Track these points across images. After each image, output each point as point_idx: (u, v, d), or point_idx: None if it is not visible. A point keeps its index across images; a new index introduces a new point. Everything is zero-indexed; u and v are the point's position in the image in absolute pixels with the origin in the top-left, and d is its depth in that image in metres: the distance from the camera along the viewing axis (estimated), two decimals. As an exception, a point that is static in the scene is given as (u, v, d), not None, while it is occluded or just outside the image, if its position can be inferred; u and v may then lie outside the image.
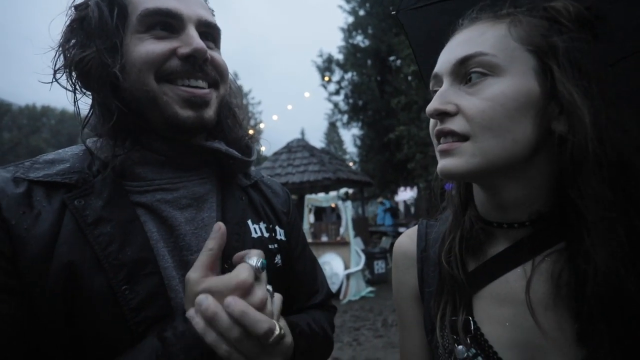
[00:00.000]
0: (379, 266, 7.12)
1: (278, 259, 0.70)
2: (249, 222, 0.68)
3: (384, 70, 15.41)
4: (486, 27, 0.51)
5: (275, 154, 10.39)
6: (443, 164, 0.51)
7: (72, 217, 0.52)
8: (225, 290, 0.48)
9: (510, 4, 0.54)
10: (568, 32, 0.49)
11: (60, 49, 0.57)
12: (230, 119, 0.68)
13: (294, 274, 0.74)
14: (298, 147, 10.18)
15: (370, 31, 15.74)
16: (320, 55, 16.81)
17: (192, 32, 0.59)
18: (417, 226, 0.69)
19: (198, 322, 0.48)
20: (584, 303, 0.43)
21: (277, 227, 0.73)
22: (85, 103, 0.62)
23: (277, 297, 0.55)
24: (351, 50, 16.08)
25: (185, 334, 0.48)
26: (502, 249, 0.54)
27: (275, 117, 16.24)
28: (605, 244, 0.42)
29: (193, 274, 0.51)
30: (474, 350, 0.52)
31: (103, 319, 0.50)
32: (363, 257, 6.63)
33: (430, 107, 0.51)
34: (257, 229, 0.68)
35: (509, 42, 0.49)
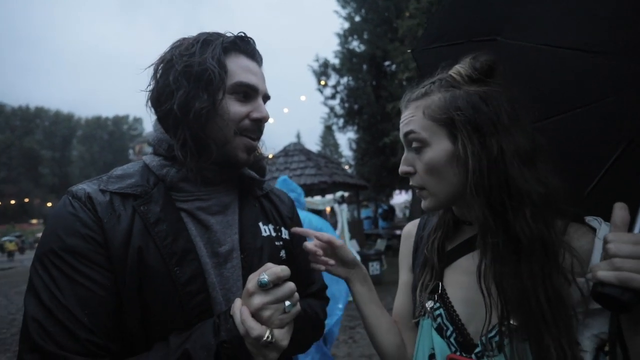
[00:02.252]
0: (374, 267, 7.25)
1: (283, 253, 0.89)
2: (260, 223, 0.87)
3: (380, 75, 15.61)
4: (413, 110, 0.74)
5: (272, 157, 10.48)
6: (422, 204, 0.77)
7: (139, 218, 0.71)
8: (244, 292, 0.67)
9: (429, 79, 0.76)
10: (466, 96, 0.69)
11: (165, 87, 0.74)
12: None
13: (295, 266, 0.90)
14: (295, 151, 10.32)
15: (365, 37, 15.93)
16: (317, 60, 16.97)
17: (261, 102, 0.82)
18: (420, 218, 0.94)
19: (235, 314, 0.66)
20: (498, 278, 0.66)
21: (282, 228, 0.93)
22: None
23: (288, 285, 0.68)
24: (347, 55, 16.26)
25: (230, 321, 0.66)
26: (467, 238, 0.78)
27: (271, 120, 16.30)
28: (487, 247, 0.66)
29: (252, 275, 0.68)
30: (438, 304, 0.75)
31: (162, 290, 0.68)
32: (358, 258, 6.73)
33: (400, 170, 0.77)
34: (266, 229, 0.87)
35: (426, 122, 0.72)
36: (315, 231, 0.88)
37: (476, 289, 0.68)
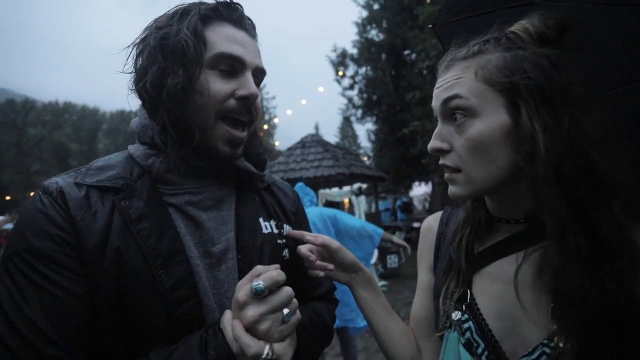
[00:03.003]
0: (392, 260, 7.15)
1: (286, 252, 0.80)
2: (261, 219, 0.78)
3: (399, 64, 15.26)
4: (460, 71, 0.59)
5: (290, 149, 10.49)
6: (450, 190, 0.62)
7: (119, 215, 0.63)
8: (233, 302, 0.59)
9: (480, 37, 0.62)
10: (534, 58, 0.55)
11: (140, 65, 0.67)
12: (253, 139, 0.78)
13: (300, 266, 0.83)
14: (312, 142, 10.25)
15: (384, 25, 15.57)
16: (334, 50, 16.74)
17: (249, 77, 0.70)
18: (442, 211, 0.81)
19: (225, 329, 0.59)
20: (554, 288, 0.52)
21: (285, 225, 0.83)
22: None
23: (285, 290, 0.61)
24: (365, 45, 15.96)
25: (220, 337, 0.58)
26: (502, 239, 0.64)
27: (289, 112, 16.36)
28: (558, 248, 0.52)
29: (240, 282, 0.61)
30: (467, 316, 0.63)
31: (144, 296, 0.61)
32: (376, 251, 6.67)
33: (430, 145, 0.62)
34: (267, 226, 0.78)
35: (478, 86, 0.57)
36: (309, 233, 0.79)
37: (513, 301, 0.57)
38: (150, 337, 0.61)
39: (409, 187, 20.56)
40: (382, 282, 6.62)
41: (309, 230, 0.93)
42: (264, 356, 0.55)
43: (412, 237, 11.55)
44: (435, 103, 0.62)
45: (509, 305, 0.58)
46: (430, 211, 19.47)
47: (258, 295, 0.57)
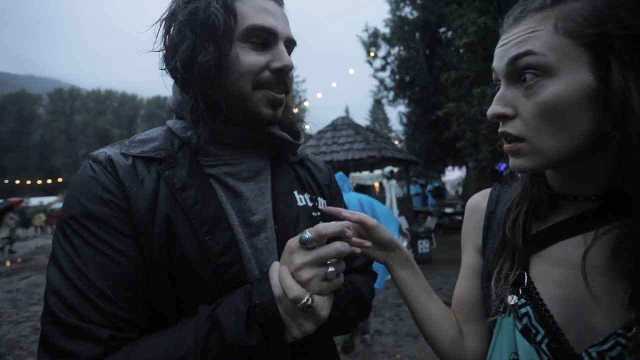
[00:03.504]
0: (423, 246, 7.05)
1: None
2: (295, 192, 0.78)
3: (434, 43, 14.60)
4: (534, 24, 0.51)
5: (320, 132, 10.45)
6: (512, 162, 0.55)
7: (165, 183, 0.65)
8: (286, 249, 0.63)
9: None
10: (631, 5, 0.46)
11: (170, 43, 0.66)
12: (285, 109, 0.76)
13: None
14: (343, 125, 10.16)
15: (419, 2, 14.88)
16: (366, 30, 16.29)
17: (283, 48, 0.69)
18: (490, 189, 0.75)
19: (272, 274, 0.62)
20: (637, 273, 0.46)
21: (319, 198, 0.83)
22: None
23: (333, 245, 0.62)
24: (398, 23, 15.38)
25: (265, 284, 0.62)
26: (567, 217, 0.57)
27: (319, 95, 16.23)
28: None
29: (291, 240, 0.64)
30: (524, 300, 0.58)
31: (194, 261, 0.63)
32: (408, 236, 6.60)
33: (490, 111, 0.55)
34: (302, 199, 0.79)
35: (558, 39, 0.49)
36: (346, 210, 0.77)
37: (580, 286, 0.51)
38: (199, 299, 0.63)
39: (442, 172, 19.99)
40: (413, 267, 6.55)
41: (343, 206, 0.92)
42: (303, 301, 0.56)
43: (444, 223, 11.32)
44: (499, 63, 0.54)
45: (575, 291, 0.53)
46: (463, 197, 18.87)
47: (304, 245, 0.60)
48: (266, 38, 0.67)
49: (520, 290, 0.58)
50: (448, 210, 11.97)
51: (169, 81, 0.73)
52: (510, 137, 0.54)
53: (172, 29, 0.66)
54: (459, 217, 11.31)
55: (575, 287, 0.52)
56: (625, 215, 0.50)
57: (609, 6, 0.47)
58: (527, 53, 0.50)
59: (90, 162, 0.65)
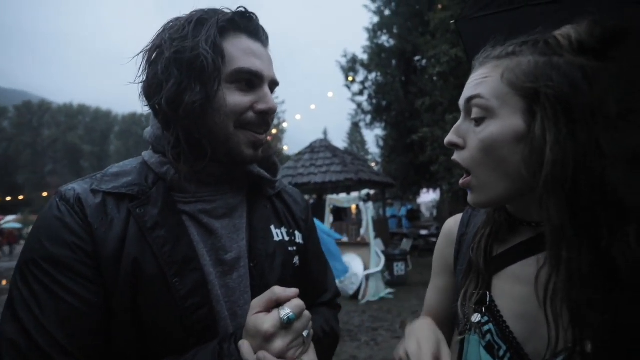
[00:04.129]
0: (399, 268, 7.08)
1: (296, 259, 0.79)
2: (272, 227, 0.78)
3: (409, 70, 15.23)
4: (489, 70, 0.59)
5: (298, 154, 10.50)
6: (468, 197, 0.62)
7: (135, 222, 0.63)
8: (254, 331, 0.57)
9: (520, 38, 0.60)
10: (566, 67, 0.52)
11: (154, 79, 0.64)
12: (265, 147, 0.77)
13: (309, 273, 0.83)
14: (321, 148, 10.25)
15: (395, 31, 15.59)
16: (345, 56, 16.79)
17: (267, 91, 0.70)
18: (462, 212, 0.80)
19: None
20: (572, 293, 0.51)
21: (296, 232, 0.83)
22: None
23: (305, 315, 0.61)
24: (376, 51, 15.99)
25: (235, 355, 0.57)
26: (524, 240, 0.63)
27: (298, 117, 16.36)
28: (561, 262, 0.50)
29: (255, 302, 0.60)
30: (487, 318, 0.62)
31: (159, 304, 0.61)
32: (383, 258, 6.62)
33: (446, 139, 0.63)
34: (279, 233, 0.78)
35: (502, 87, 0.56)
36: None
37: (535, 303, 0.55)
38: (164, 345, 0.61)
39: (417, 194, 20.39)
40: (389, 290, 6.54)
41: (317, 239, 0.92)
42: None
43: (420, 245, 11.46)
44: (461, 99, 0.62)
45: (532, 306, 0.57)
46: (438, 219, 19.30)
47: (290, 324, 0.57)
48: (252, 80, 0.68)
49: (483, 308, 0.62)
50: (423, 232, 12.15)
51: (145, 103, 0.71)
52: (459, 166, 0.61)
53: (158, 65, 0.64)
54: (434, 239, 11.48)
55: (532, 303, 0.56)
56: None
57: (547, 66, 0.54)
58: (477, 96, 0.58)
59: (58, 200, 0.62)
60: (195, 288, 0.63)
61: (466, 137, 0.60)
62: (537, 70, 0.54)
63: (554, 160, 0.50)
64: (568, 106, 0.51)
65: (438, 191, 17.76)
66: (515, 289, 0.61)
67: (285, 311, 0.57)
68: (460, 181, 0.62)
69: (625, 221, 0.48)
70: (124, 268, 0.59)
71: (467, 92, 0.61)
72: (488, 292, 0.64)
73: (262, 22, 0.73)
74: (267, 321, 0.56)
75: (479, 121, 0.58)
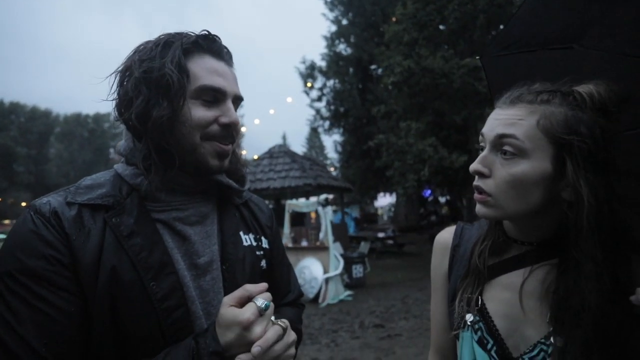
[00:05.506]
0: (357, 270, 7.27)
1: (263, 263, 0.87)
2: (241, 233, 0.85)
3: (366, 78, 15.73)
4: (523, 113, 0.66)
5: (257, 159, 10.42)
6: (478, 209, 0.71)
7: (111, 231, 0.66)
8: (231, 322, 0.62)
9: (547, 86, 0.69)
10: (591, 124, 0.64)
11: (124, 96, 0.71)
12: (233, 156, 0.84)
13: (274, 276, 0.91)
14: (280, 153, 10.26)
15: (352, 40, 16.05)
16: (303, 62, 16.99)
17: (230, 106, 0.76)
18: (455, 226, 0.90)
19: None
20: (558, 300, 0.65)
21: (262, 238, 0.91)
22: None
23: (271, 304, 0.68)
24: (334, 58, 16.33)
25: (213, 345, 0.63)
26: (513, 255, 0.76)
27: (257, 121, 16.26)
28: (589, 282, 0.62)
29: (226, 298, 0.66)
30: (477, 318, 0.75)
31: (137, 309, 0.64)
32: (342, 261, 6.77)
33: (472, 167, 0.70)
34: (247, 239, 0.85)
35: (537, 133, 0.64)
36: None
37: (518, 306, 0.70)
38: (142, 348, 0.64)
39: (374, 198, 20.99)
40: (348, 292, 6.70)
41: (281, 244, 1.01)
42: None
43: (377, 247, 11.81)
44: (489, 132, 0.68)
45: (514, 309, 0.70)
46: (394, 221, 19.95)
47: (266, 310, 0.64)
48: (215, 96, 0.74)
49: (475, 310, 0.75)
50: (380, 234, 12.54)
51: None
52: (481, 191, 0.69)
53: (126, 82, 0.70)
54: (391, 242, 11.91)
55: (514, 307, 0.71)
56: (551, 257, 0.71)
57: (576, 120, 0.64)
58: (512, 136, 0.65)
59: (32, 213, 0.64)
60: (171, 291, 0.68)
61: (492, 168, 0.68)
62: (569, 123, 0.63)
63: (589, 202, 0.61)
64: (592, 158, 0.62)
65: (394, 195, 18.44)
66: (502, 294, 0.74)
67: (261, 301, 0.64)
68: (478, 197, 0.70)
69: (633, 251, 0.63)
70: (103, 276, 0.63)
71: (498, 128, 0.67)
72: (480, 297, 0.76)
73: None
74: (246, 311, 0.62)
75: (508, 156, 0.66)
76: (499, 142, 0.67)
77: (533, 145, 0.64)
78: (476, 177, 0.70)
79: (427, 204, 18.84)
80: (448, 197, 16.85)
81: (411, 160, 9.25)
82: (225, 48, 0.79)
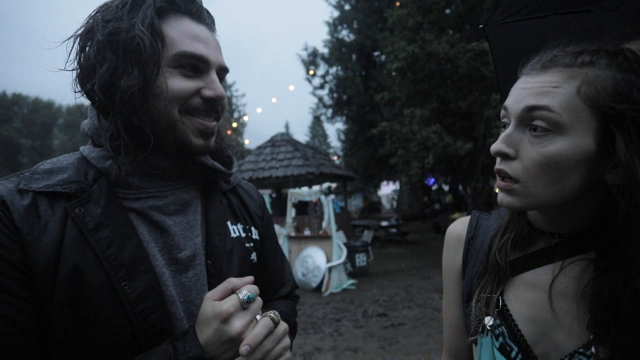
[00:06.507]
0: (360, 259, 7.24)
1: (254, 256, 0.78)
2: (229, 223, 0.75)
3: (369, 65, 15.49)
4: (559, 79, 0.53)
5: (259, 147, 10.35)
6: (501, 198, 0.58)
7: (74, 224, 0.56)
8: (210, 315, 0.56)
9: (591, 47, 0.55)
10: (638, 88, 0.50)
11: (86, 63, 0.60)
12: (217, 137, 0.73)
13: (266, 269, 0.82)
14: (282, 141, 10.17)
15: (355, 26, 15.75)
16: (305, 49, 16.74)
17: (214, 77, 0.66)
18: (469, 216, 0.78)
19: None
20: (602, 302, 0.53)
21: (252, 228, 0.81)
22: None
23: (258, 299, 0.62)
24: (336, 45, 16.08)
25: (193, 350, 0.56)
26: (541, 248, 0.63)
27: (259, 110, 16.09)
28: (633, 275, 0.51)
29: (209, 293, 0.60)
30: (498, 321, 0.63)
31: (106, 313, 0.55)
32: (345, 250, 6.73)
33: (494, 147, 0.57)
34: (235, 230, 0.75)
35: (577, 103, 0.51)
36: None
37: (547, 308, 0.58)
38: (113, 356, 0.56)
39: (378, 186, 20.93)
40: (351, 281, 6.68)
41: (274, 234, 0.91)
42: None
43: (381, 236, 11.79)
44: (514, 105, 0.56)
45: (543, 312, 0.59)
46: (397, 209, 19.95)
47: (248, 304, 0.58)
48: (197, 65, 0.64)
49: (496, 312, 0.63)
50: (384, 223, 12.50)
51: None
52: (505, 175, 0.56)
53: (88, 48, 0.59)
54: (394, 230, 11.88)
55: (543, 309, 0.59)
56: (587, 250, 0.58)
57: (629, 84, 0.50)
58: (545, 108, 0.52)
59: None
60: (147, 290, 0.59)
61: (519, 148, 0.55)
62: (621, 88, 0.50)
63: None
64: None
65: (397, 183, 18.35)
66: (527, 294, 0.62)
67: (244, 292, 0.58)
68: (502, 184, 0.57)
69: None
70: (62, 276, 0.53)
71: (527, 99, 0.54)
72: (501, 297, 0.64)
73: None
74: (226, 302, 0.56)
75: (540, 133, 0.53)
76: (528, 116, 0.54)
77: (572, 118, 0.51)
78: (498, 159, 0.58)
79: (431, 193, 18.84)
80: (452, 185, 16.76)
81: (415, 148, 9.13)
82: (207, 10, 0.68)
